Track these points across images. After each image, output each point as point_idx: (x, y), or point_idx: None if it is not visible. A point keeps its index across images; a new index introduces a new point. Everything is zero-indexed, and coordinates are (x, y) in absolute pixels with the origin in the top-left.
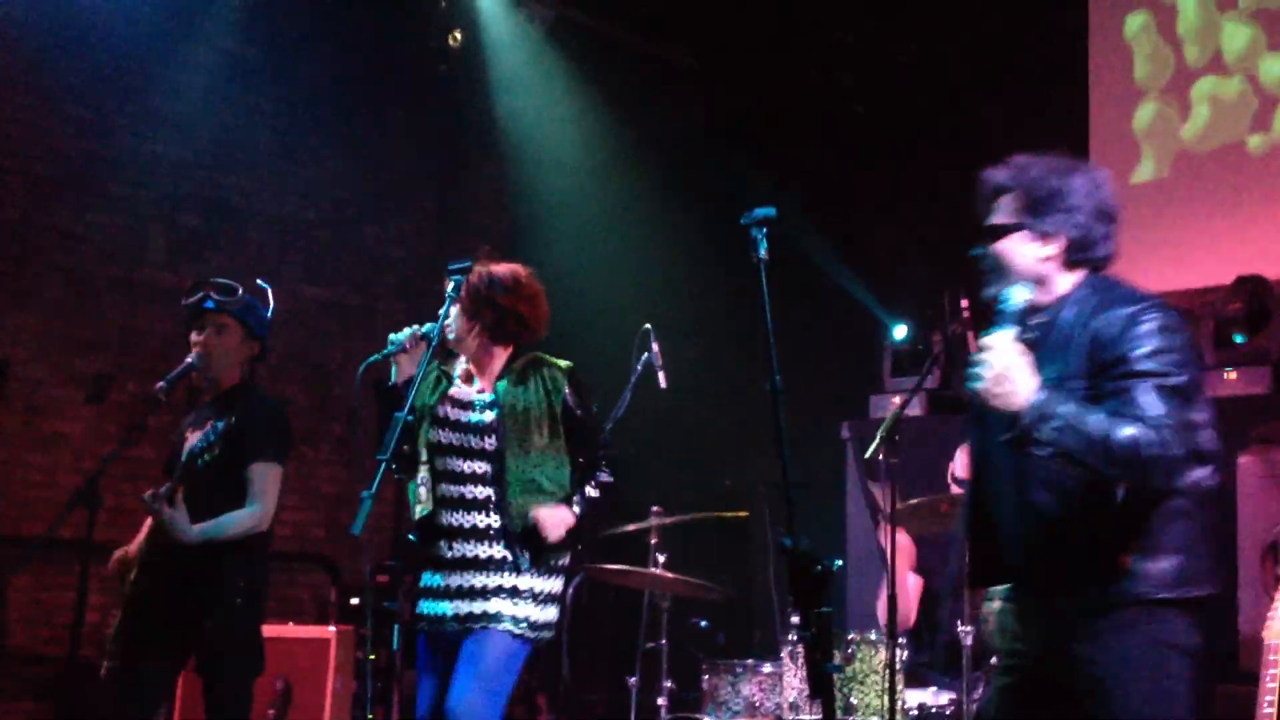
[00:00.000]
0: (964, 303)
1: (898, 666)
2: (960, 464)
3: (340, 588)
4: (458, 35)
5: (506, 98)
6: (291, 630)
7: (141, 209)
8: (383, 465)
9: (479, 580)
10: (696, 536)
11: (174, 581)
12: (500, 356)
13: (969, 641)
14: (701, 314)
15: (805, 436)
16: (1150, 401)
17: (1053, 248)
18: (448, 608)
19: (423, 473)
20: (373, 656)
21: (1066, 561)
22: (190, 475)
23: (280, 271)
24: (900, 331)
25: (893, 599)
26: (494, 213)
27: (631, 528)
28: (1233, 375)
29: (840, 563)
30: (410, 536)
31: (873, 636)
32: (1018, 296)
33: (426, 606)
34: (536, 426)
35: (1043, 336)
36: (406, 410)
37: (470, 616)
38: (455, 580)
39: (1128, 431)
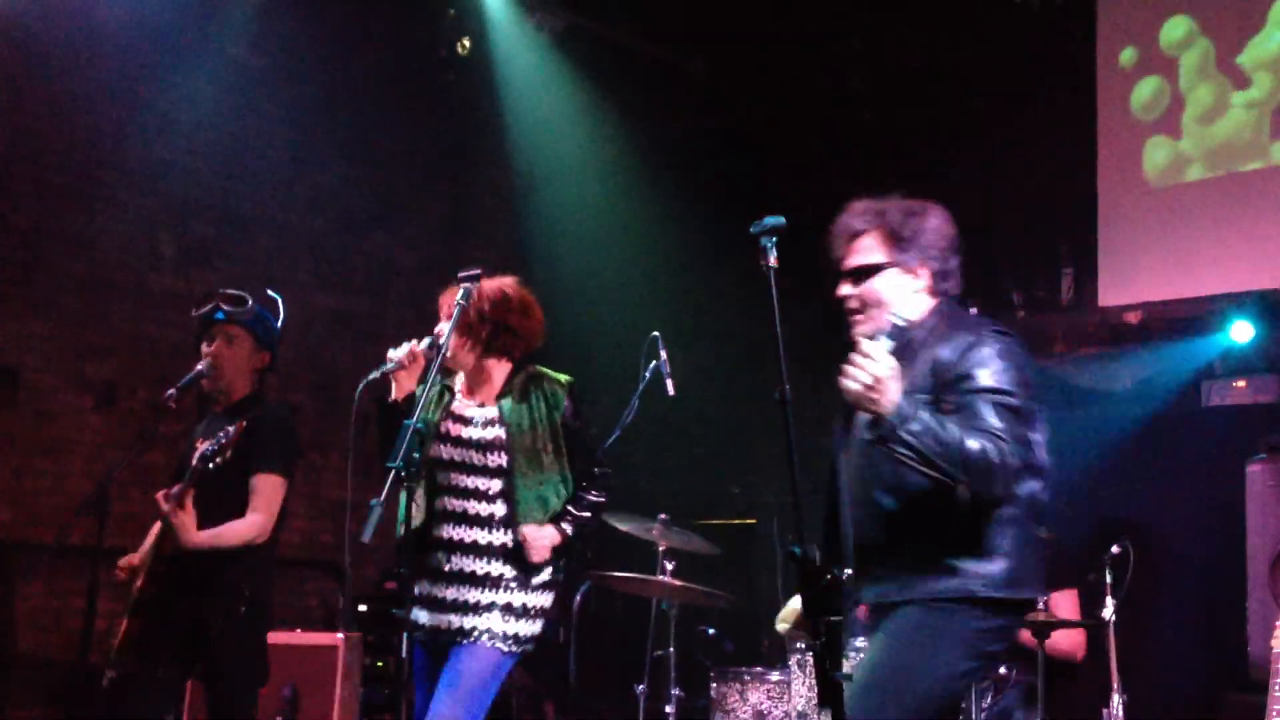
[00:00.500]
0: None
1: None
2: None
3: (349, 594)
4: (466, 43)
5: (516, 105)
6: (300, 637)
7: (152, 217)
8: (393, 473)
9: (474, 595)
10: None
11: (179, 589)
12: (498, 370)
13: None
14: (710, 322)
15: (814, 444)
16: (991, 416)
17: (921, 280)
18: (443, 619)
19: (418, 487)
20: (380, 664)
21: (902, 559)
22: (199, 481)
23: (290, 279)
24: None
25: None
26: (503, 220)
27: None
28: (1242, 384)
29: (849, 571)
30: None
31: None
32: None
33: (423, 616)
34: (543, 444)
35: (897, 352)
36: (416, 418)
37: (462, 630)
38: (452, 593)
39: (978, 441)
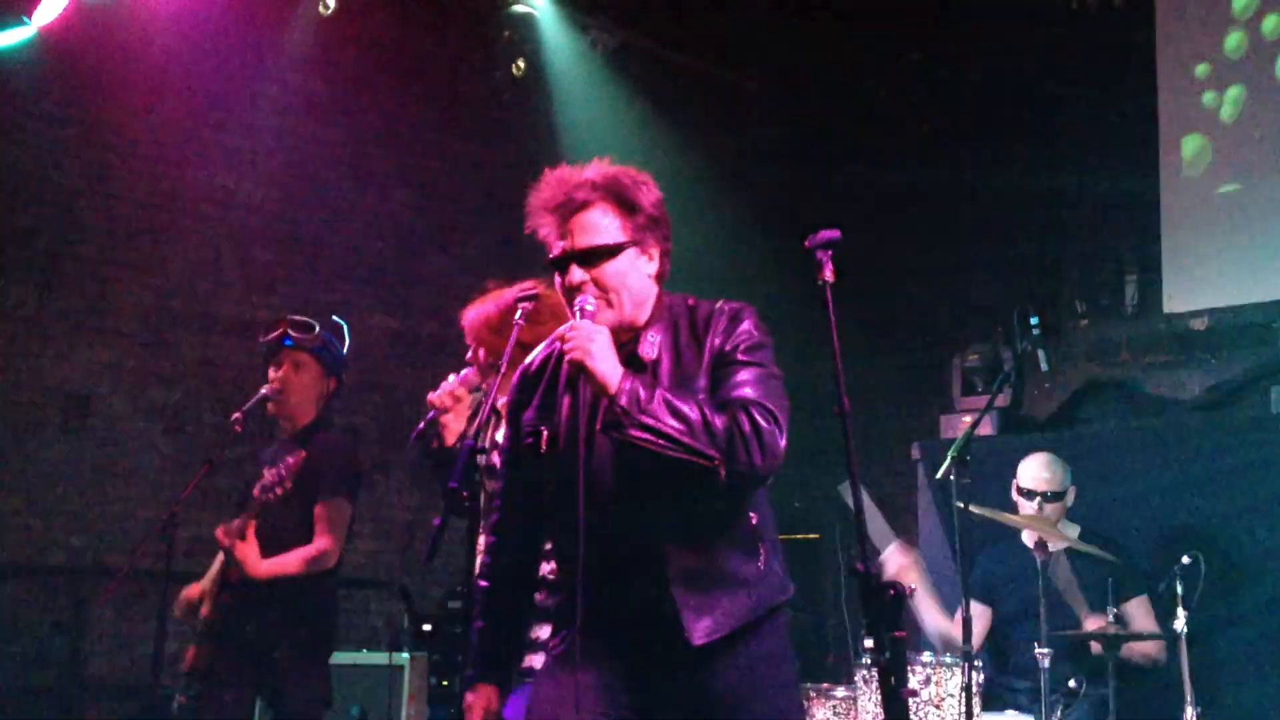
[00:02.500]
0: (1034, 320)
1: (974, 690)
2: (1024, 476)
3: (413, 615)
4: (521, 64)
5: (571, 125)
6: (365, 657)
7: (216, 244)
8: (454, 493)
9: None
10: None
11: (244, 614)
12: None
13: (1046, 664)
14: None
15: (875, 457)
16: (751, 385)
17: (654, 264)
18: (537, 661)
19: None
20: (445, 683)
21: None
22: (261, 510)
23: (350, 302)
24: None
25: (967, 621)
26: None
27: None
28: None
29: (913, 585)
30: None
31: (948, 659)
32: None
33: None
34: None
35: (631, 355)
36: (474, 439)
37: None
38: (545, 632)
39: (727, 414)
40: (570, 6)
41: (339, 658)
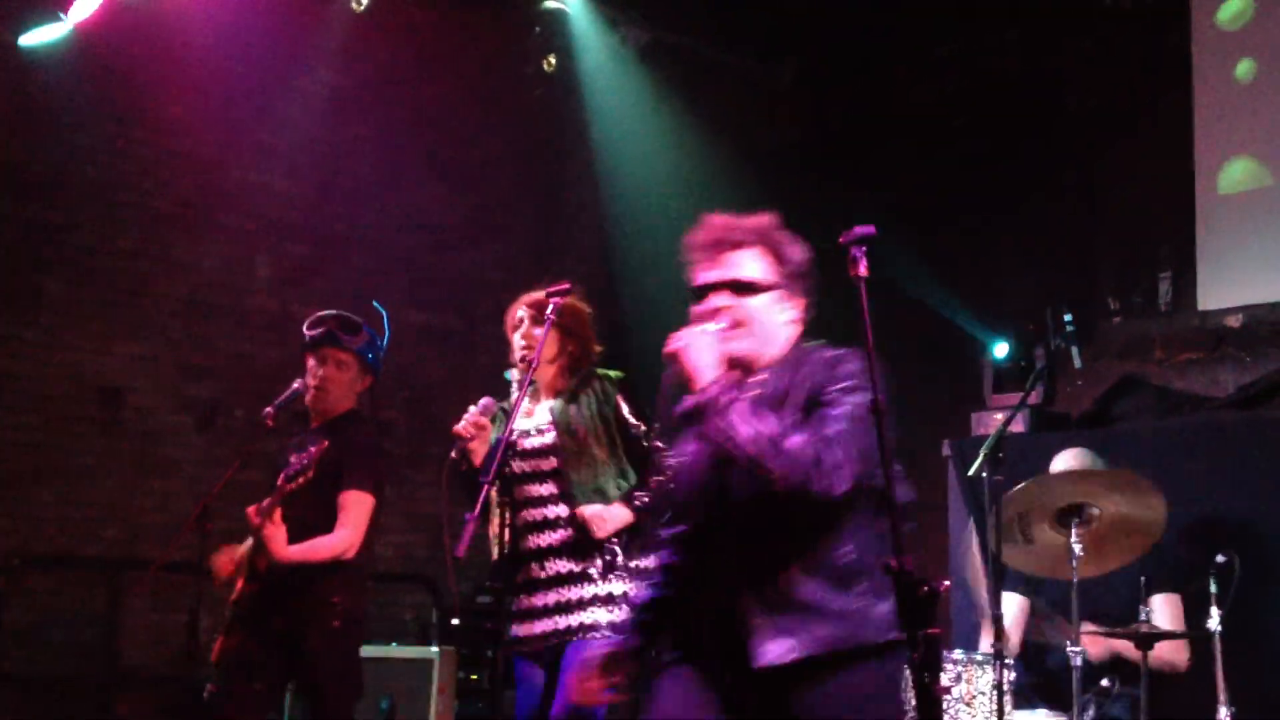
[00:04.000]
0: (1067, 317)
1: (1005, 688)
2: (1056, 468)
3: (442, 609)
4: (552, 60)
5: (602, 120)
6: (395, 651)
7: (249, 238)
8: (485, 488)
9: (574, 593)
10: None
11: (274, 604)
12: (561, 379)
13: (1078, 662)
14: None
15: (906, 454)
16: (834, 422)
17: (793, 312)
18: (547, 624)
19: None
20: (474, 677)
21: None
22: (287, 498)
23: (381, 296)
24: (1001, 350)
25: (998, 620)
26: (591, 235)
27: None
28: None
29: (946, 583)
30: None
31: (979, 657)
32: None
33: (523, 629)
34: (595, 440)
35: (761, 395)
36: (507, 431)
37: (569, 630)
38: (552, 597)
39: (800, 437)
40: (601, 2)
41: (367, 651)
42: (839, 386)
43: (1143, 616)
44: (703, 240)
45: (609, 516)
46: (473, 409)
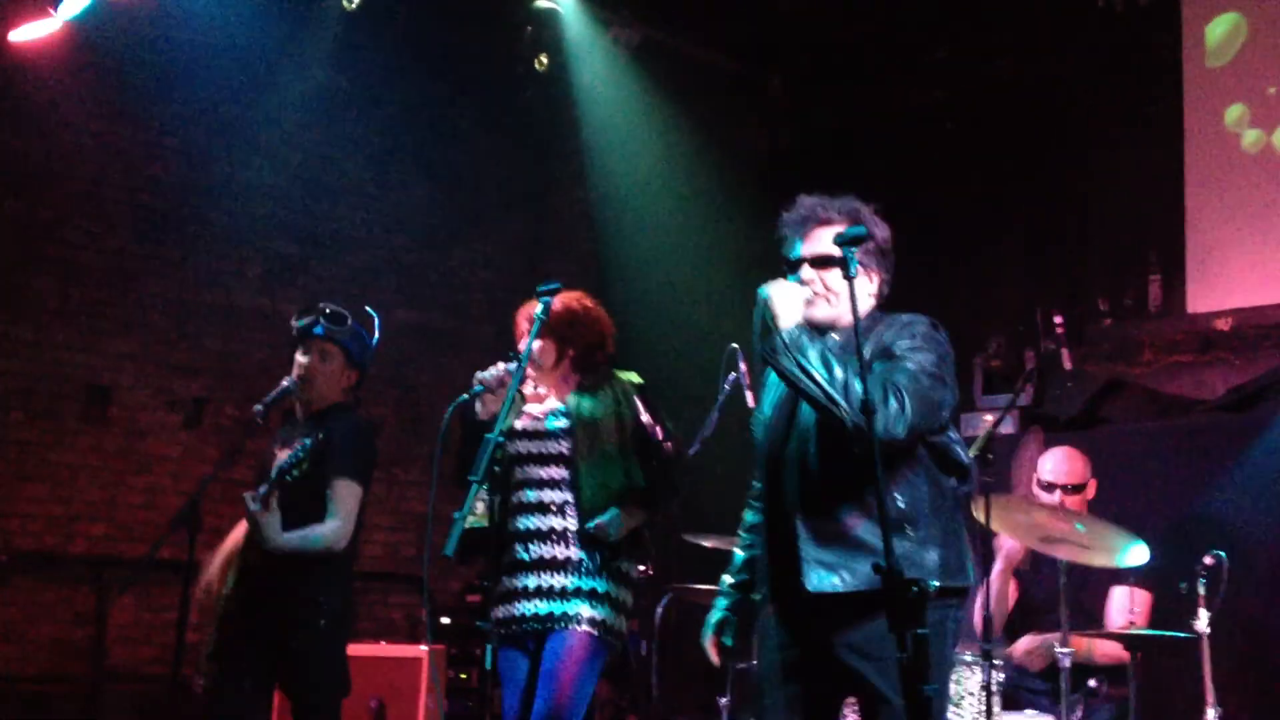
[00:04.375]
0: (1057, 319)
1: (994, 689)
2: (1044, 470)
3: (432, 607)
4: (544, 59)
5: (593, 121)
6: (384, 649)
7: (238, 236)
8: (474, 486)
9: (559, 581)
10: None
11: (262, 601)
12: (570, 376)
13: (1067, 664)
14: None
15: None
16: (902, 373)
17: (874, 285)
18: (528, 608)
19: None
20: (463, 676)
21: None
22: (279, 489)
23: (371, 295)
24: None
25: (988, 620)
26: (581, 234)
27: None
28: None
29: (936, 584)
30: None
31: (968, 658)
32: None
33: (504, 610)
34: (607, 433)
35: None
36: (498, 432)
37: (551, 617)
38: (535, 581)
39: (870, 382)
40: (593, 2)
41: (355, 649)
42: (909, 344)
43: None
44: (794, 217)
45: (617, 519)
46: (501, 364)
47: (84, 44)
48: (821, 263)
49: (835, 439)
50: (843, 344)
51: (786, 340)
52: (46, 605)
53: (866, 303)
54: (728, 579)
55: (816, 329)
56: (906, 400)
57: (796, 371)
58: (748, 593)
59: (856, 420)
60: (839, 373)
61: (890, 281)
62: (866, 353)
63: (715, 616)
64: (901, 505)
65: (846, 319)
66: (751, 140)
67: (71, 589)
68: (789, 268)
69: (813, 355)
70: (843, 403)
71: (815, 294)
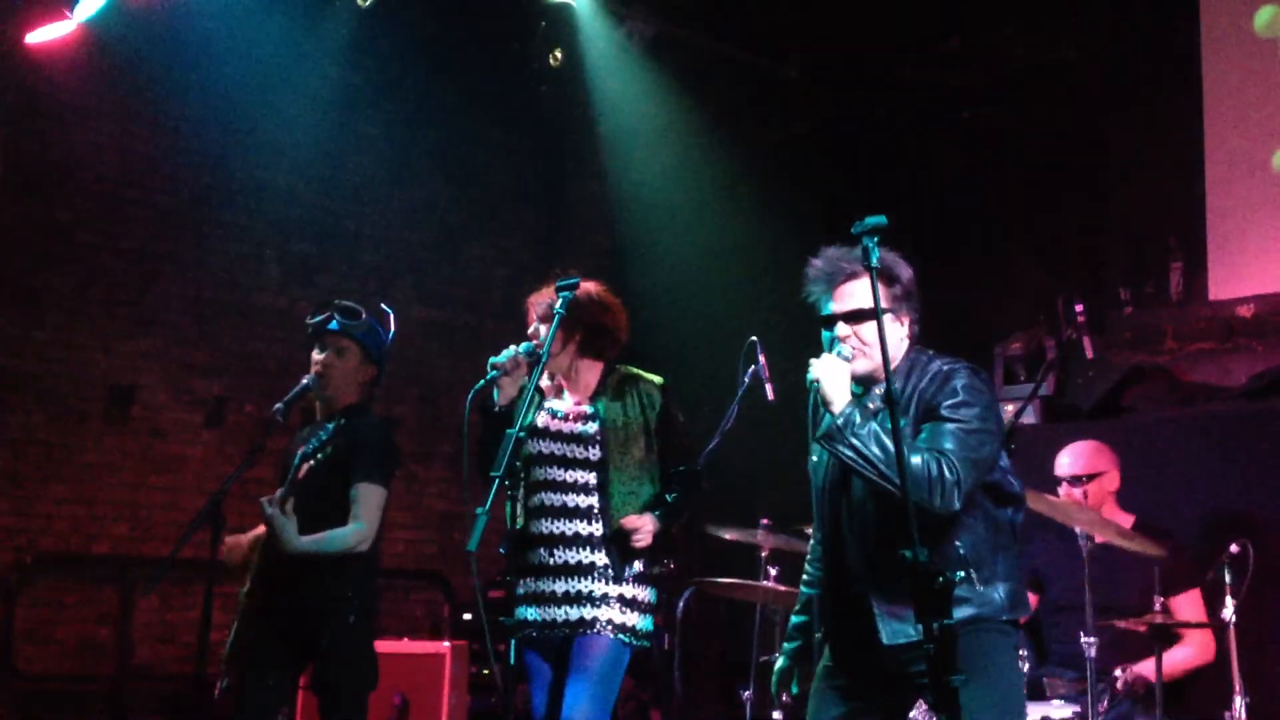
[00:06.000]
0: (1078, 307)
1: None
2: (1057, 466)
3: (454, 604)
4: (558, 54)
5: (608, 115)
6: (407, 646)
7: (256, 236)
8: (496, 482)
9: (587, 586)
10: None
11: (286, 598)
12: (590, 371)
13: (1092, 654)
14: (808, 325)
15: None
16: (950, 438)
17: (904, 329)
18: (557, 613)
19: (519, 494)
20: (486, 672)
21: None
22: (297, 490)
23: (389, 293)
24: None
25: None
26: (598, 229)
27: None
28: None
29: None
30: (501, 549)
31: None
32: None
33: (532, 613)
34: (635, 440)
35: (884, 404)
36: (519, 427)
37: (581, 621)
38: (563, 586)
39: (920, 456)
40: None
41: (379, 646)
42: (950, 402)
43: (1157, 608)
44: (819, 274)
45: (647, 524)
46: (513, 347)
47: (100, 45)
48: (855, 317)
49: (894, 505)
50: (884, 395)
51: (841, 423)
52: (71, 605)
53: (900, 346)
54: (793, 618)
55: (860, 382)
56: (958, 468)
57: (853, 455)
58: (808, 636)
59: (916, 499)
60: (893, 450)
61: (917, 321)
62: (909, 406)
63: (781, 664)
64: (963, 552)
65: (877, 374)
66: (767, 131)
67: (95, 589)
68: (823, 324)
69: (868, 438)
70: (898, 481)
71: (854, 350)
